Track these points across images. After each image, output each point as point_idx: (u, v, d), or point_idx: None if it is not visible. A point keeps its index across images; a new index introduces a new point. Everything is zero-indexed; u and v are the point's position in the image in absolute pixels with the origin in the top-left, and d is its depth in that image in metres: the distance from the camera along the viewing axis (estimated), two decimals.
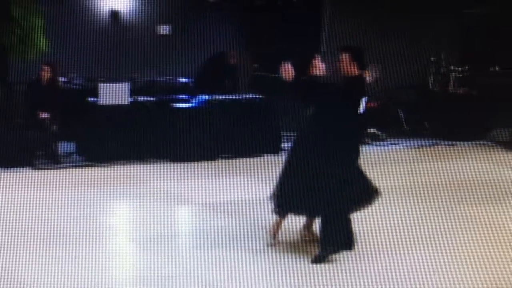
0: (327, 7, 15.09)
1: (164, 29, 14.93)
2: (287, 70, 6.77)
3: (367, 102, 6.99)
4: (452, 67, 15.96)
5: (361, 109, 6.92)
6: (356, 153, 7.07)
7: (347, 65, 6.91)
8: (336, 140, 6.79)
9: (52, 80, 11.43)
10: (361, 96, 6.91)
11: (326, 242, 6.88)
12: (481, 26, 16.30)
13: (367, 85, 7.06)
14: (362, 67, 6.96)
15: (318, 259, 6.84)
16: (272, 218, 7.36)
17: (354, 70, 6.93)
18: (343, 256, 6.91)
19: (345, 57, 6.92)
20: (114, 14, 14.40)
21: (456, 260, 7.09)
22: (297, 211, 7.26)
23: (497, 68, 16.28)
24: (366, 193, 7.20)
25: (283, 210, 7.24)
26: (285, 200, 7.17)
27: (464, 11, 16.45)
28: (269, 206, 7.30)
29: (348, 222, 6.98)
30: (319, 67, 7.11)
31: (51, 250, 6.98)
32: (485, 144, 14.54)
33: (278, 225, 7.35)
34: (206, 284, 6.30)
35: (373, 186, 7.26)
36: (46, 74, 11.31)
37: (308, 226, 7.48)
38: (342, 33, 14.45)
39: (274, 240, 7.35)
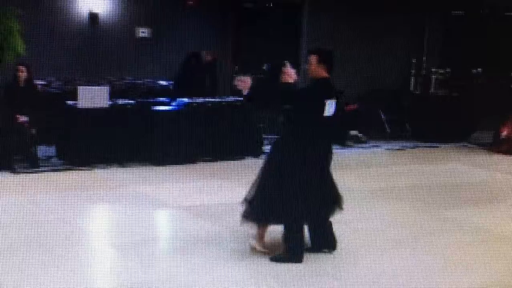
0: (306, 9, 15.07)
1: (143, 32, 14.86)
2: (243, 82, 6.77)
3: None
4: (433, 69, 16.01)
5: (328, 112, 6.83)
6: (326, 157, 7.02)
7: (314, 67, 6.88)
8: (304, 144, 6.74)
9: (29, 81, 11.30)
10: (327, 99, 6.84)
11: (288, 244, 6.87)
12: (462, 28, 16.35)
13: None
14: (330, 70, 6.91)
15: (277, 258, 6.84)
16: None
17: (322, 73, 6.89)
18: (326, 259, 6.90)
19: (312, 59, 6.89)
20: (93, 17, 14.31)
21: (438, 262, 7.07)
22: (275, 221, 7.13)
23: (478, 70, 16.35)
24: (332, 199, 7.15)
25: (262, 220, 7.13)
26: (262, 210, 7.03)
27: (446, 12, 16.50)
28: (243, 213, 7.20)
29: (328, 225, 7.03)
30: (290, 74, 6.99)
31: (29, 255, 6.89)
32: (467, 146, 14.57)
33: (263, 233, 7.22)
34: None
35: (338, 193, 7.21)
36: (22, 74, 11.14)
37: None
38: (322, 34, 14.45)
39: (265, 249, 7.14)
